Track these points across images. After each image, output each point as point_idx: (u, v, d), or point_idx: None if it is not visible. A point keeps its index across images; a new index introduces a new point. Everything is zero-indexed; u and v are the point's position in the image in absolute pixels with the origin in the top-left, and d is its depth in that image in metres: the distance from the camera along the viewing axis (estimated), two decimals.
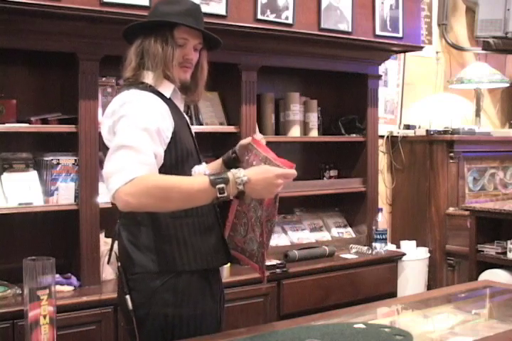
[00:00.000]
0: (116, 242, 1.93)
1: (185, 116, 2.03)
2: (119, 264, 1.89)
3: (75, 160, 2.81)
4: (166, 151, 1.80)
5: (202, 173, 1.78)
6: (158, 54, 1.85)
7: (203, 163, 1.90)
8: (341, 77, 3.91)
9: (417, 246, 4.17)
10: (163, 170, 1.78)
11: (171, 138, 1.82)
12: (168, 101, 1.88)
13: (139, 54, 1.89)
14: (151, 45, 1.86)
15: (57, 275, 2.61)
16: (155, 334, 1.84)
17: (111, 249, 1.95)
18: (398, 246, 4.12)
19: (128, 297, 1.83)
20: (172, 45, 1.86)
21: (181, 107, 1.99)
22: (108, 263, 2.06)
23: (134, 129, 1.72)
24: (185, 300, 1.84)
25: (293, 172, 1.72)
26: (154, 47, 1.86)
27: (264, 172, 1.69)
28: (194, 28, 1.88)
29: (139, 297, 1.83)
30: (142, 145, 1.70)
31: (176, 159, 1.84)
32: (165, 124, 1.80)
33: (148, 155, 1.71)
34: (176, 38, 1.87)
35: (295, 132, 3.63)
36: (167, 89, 1.90)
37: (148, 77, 1.88)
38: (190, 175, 1.86)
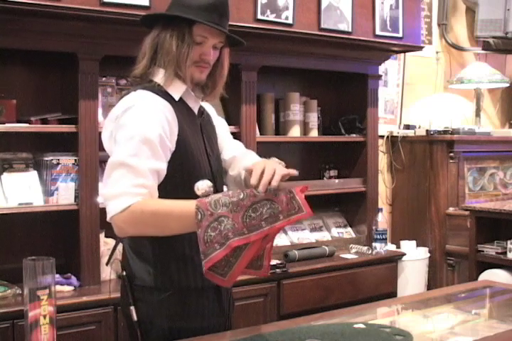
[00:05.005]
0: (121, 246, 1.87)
1: (198, 119, 1.86)
2: (124, 273, 1.80)
3: (75, 160, 2.81)
4: (170, 160, 1.70)
5: (205, 189, 1.61)
6: (172, 51, 1.72)
7: (206, 180, 1.64)
8: (341, 77, 3.91)
9: (417, 246, 4.17)
10: (166, 181, 1.69)
11: (176, 144, 1.72)
12: (177, 104, 1.76)
13: (153, 47, 1.76)
14: (166, 40, 1.73)
15: (57, 276, 2.61)
16: None
17: (113, 251, 1.90)
18: (398, 246, 4.12)
19: (133, 308, 1.74)
20: (188, 43, 1.72)
21: (195, 109, 1.86)
22: (107, 264, 1.98)
23: (135, 143, 1.63)
24: (193, 314, 1.76)
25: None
26: (169, 43, 1.72)
27: None
28: (215, 28, 1.73)
29: (144, 308, 1.75)
30: (142, 164, 1.61)
31: (181, 168, 1.72)
32: (169, 130, 1.69)
33: (147, 176, 1.62)
34: (194, 35, 1.72)
35: (295, 132, 3.63)
36: (177, 89, 1.77)
37: (159, 75, 1.76)
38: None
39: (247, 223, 1.51)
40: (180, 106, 1.78)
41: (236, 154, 1.95)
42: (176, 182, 1.72)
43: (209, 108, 2.01)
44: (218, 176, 1.89)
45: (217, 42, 1.78)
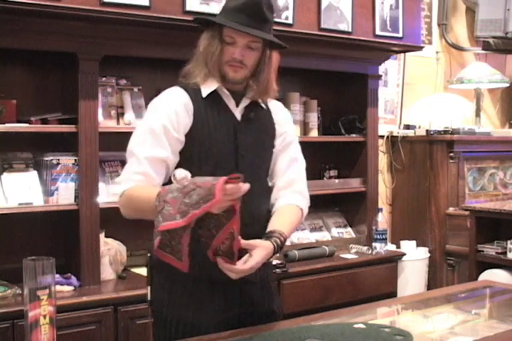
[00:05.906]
0: None
1: (239, 119, 1.90)
2: (149, 255, 1.92)
3: (75, 160, 2.81)
4: (181, 152, 1.83)
5: (181, 177, 1.71)
6: (203, 51, 1.86)
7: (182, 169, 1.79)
8: (341, 77, 3.91)
9: (417, 246, 4.17)
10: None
11: (186, 137, 1.82)
12: (205, 100, 1.86)
13: (197, 48, 1.90)
14: (201, 41, 1.88)
15: (57, 276, 2.61)
16: (158, 330, 1.86)
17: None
18: (398, 246, 4.12)
19: (149, 288, 1.88)
20: (216, 43, 1.84)
21: (236, 107, 1.90)
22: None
23: (142, 132, 1.82)
24: (179, 304, 1.83)
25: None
26: (202, 43, 1.88)
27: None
28: (234, 29, 1.81)
29: (155, 288, 1.88)
30: (142, 152, 1.78)
31: (189, 160, 1.82)
32: (177, 122, 1.81)
33: (144, 164, 1.78)
34: (224, 35, 1.84)
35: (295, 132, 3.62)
36: (209, 87, 1.87)
37: (196, 73, 1.88)
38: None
39: (181, 209, 1.56)
40: (208, 103, 1.86)
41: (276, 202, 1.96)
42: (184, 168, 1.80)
43: (285, 120, 2.05)
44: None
45: (248, 41, 1.84)
